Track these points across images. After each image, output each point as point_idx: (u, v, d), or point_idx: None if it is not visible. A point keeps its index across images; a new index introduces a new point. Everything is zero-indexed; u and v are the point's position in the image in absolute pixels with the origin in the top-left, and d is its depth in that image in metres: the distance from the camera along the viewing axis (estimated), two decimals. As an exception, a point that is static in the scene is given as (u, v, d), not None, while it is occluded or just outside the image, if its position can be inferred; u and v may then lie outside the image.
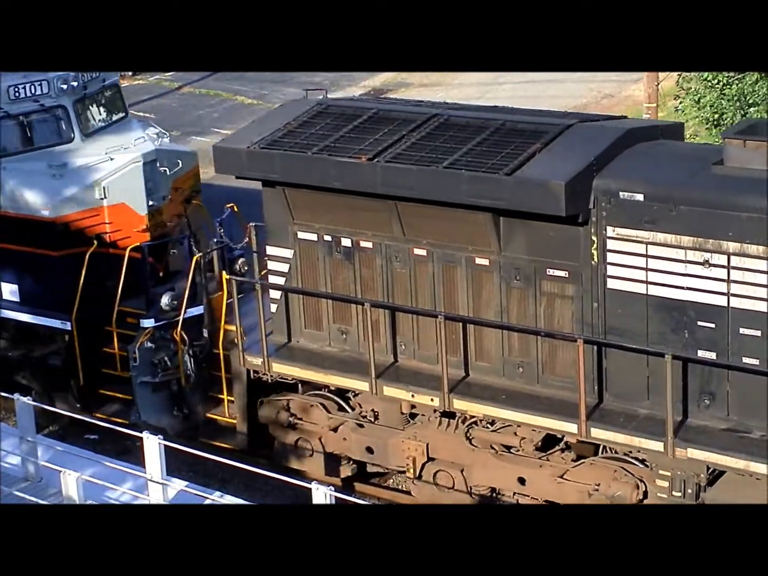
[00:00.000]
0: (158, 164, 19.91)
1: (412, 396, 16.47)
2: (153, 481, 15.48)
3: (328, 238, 17.10)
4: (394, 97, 18.55)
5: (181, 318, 18.65)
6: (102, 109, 21.03)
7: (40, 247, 19.24)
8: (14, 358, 20.27)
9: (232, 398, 18.34)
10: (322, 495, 14.07)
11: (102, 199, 19.33)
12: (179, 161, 20.49)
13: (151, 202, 19.83)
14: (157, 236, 19.99)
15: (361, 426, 17.44)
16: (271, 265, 17.75)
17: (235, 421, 18.45)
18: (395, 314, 16.83)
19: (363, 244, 16.86)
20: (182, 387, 19.42)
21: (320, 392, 17.79)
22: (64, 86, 19.97)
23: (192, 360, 19.25)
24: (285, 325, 17.74)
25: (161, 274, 19.97)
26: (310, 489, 14.28)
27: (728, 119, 24.26)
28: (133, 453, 17.93)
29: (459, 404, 16.12)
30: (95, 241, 19.30)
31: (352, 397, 17.66)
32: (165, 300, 19.07)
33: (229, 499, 15.65)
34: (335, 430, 17.56)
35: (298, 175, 16.50)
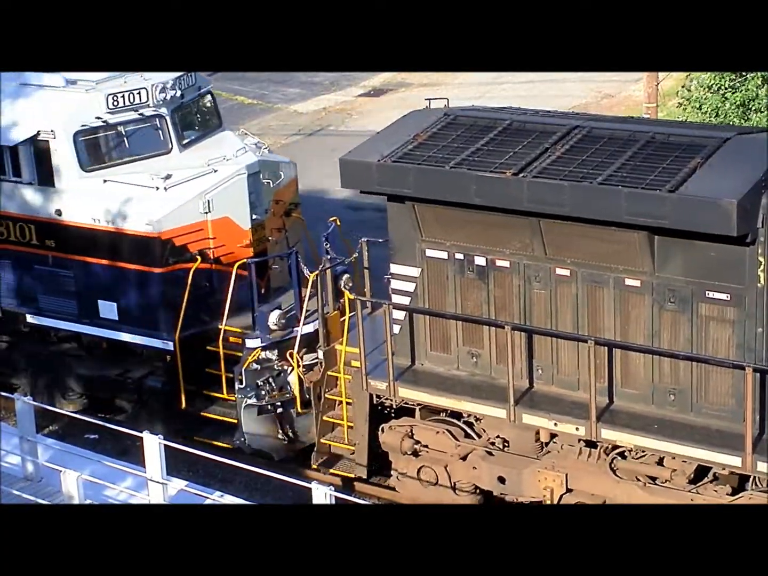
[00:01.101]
0: (261, 176, 19.01)
1: (555, 424, 15.56)
2: (153, 481, 15.38)
3: (459, 256, 16.19)
4: (512, 106, 17.66)
5: (298, 338, 17.74)
6: (197, 118, 20.12)
7: (142, 264, 18.31)
8: (110, 379, 19.35)
9: (351, 423, 17.42)
10: (322, 495, 14.03)
11: (206, 213, 18.41)
12: (281, 173, 19.59)
13: (254, 216, 18.92)
14: (259, 251, 19.08)
15: (491, 454, 16.52)
16: (396, 284, 16.82)
17: (352, 448, 17.53)
18: (532, 337, 15.92)
19: (499, 263, 15.94)
20: (287, 409, 18.56)
21: (444, 418, 16.88)
22: (163, 95, 19.04)
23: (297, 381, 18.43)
24: (409, 348, 16.83)
25: (263, 290, 19.06)
26: (310, 489, 14.21)
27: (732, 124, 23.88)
28: (133, 453, 17.46)
29: (608, 434, 15.20)
30: (198, 257, 18.36)
31: (475, 423, 16.76)
32: (273, 318, 18.16)
33: (229, 499, 15.56)
34: (464, 458, 16.64)
35: (435, 191, 15.59)
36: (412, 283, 16.65)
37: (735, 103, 23.67)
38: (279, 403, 18.40)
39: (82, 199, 18.52)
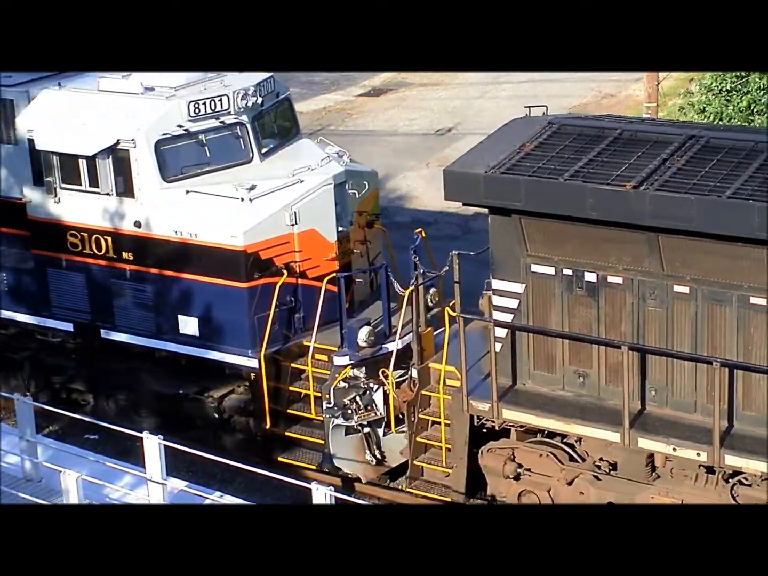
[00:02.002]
0: (347, 186, 18.31)
1: (674, 449, 14.83)
2: (153, 481, 15.37)
3: (568, 272, 15.47)
4: (615, 114, 17.13)
5: (393, 355, 17.03)
6: (276, 126, 19.40)
7: (226, 278, 17.57)
8: (189, 398, 18.65)
9: (449, 445, 16.70)
10: (322, 495, 14.02)
11: (292, 225, 17.68)
12: (366, 182, 18.88)
13: (340, 228, 18.20)
14: (344, 264, 18.36)
15: (598, 478, 15.80)
16: (498, 300, 16.10)
17: (448, 470, 16.81)
18: (645, 357, 15.20)
19: (611, 279, 15.22)
20: (373, 429, 17.86)
21: (545, 440, 16.17)
22: (244, 102, 18.32)
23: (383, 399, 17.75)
24: (510, 366, 16.11)
25: (347, 305, 18.35)
26: (310, 489, 14.19)
27: None
28: (133, 453, 17.21)
29: (732, 460, 14.48)
30: (285, 271, 17.64)
31: (576, 445, 16.05)
32: (362, 335, 17.45)
33: (229, 499, 15.54)
34: (570, 483, 15.91)
35: (547, 204, 14.87)
36: (515, 299, 15.94)
37: (739, 106, 23.57)
38: (366, 423, 17.69)
39: (163, 211, 17.81)
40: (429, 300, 18.02)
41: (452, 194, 15.64)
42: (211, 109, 18.08)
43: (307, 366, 17.72)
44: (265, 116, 18.95)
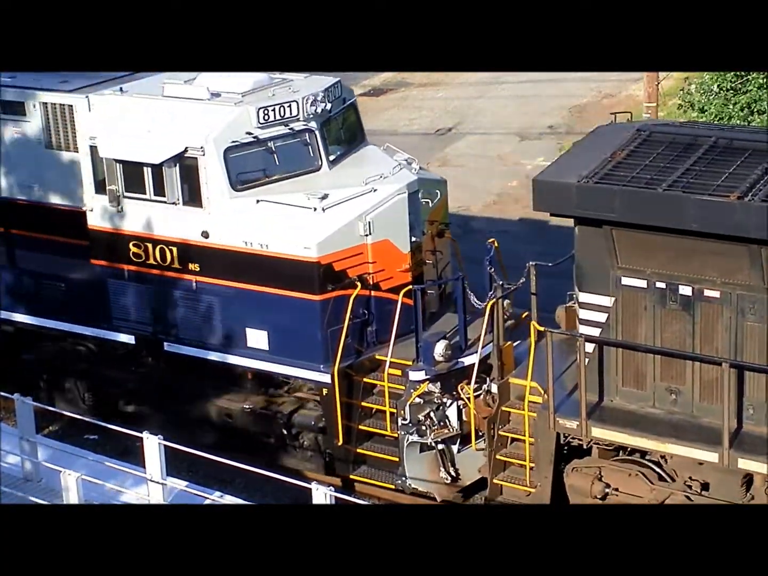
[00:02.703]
0: (420, 195, 17.77)
1: (776, 470, 14.29)
2: (153, 481, 15.38)
3: (661, 285, 14.92)
4: (700, 122, 16.67)
5: (475, 370, 16.49)
6: (343, 132, 18.85)
7: (299, 290, 17.01)
8: (256, 413, 18.11)
9: (532, 464, 16.14)
10: (322, 495, 14.03)
11: (366, 235, 17.12)
12: (438, 191, 18.34)
13: (413, 238, 17.65)
14: (416, 276, 17.80)
15: (690, 499, 15.25)
16: (585, 314, 15.57)
17: (530, 489, 16.26)
18: (743, 374, 14.64)
19: (707, 293, 14.67)
20: (447, 446, 17.32)
21: (631, 458, 15.63)
22: (313, 108, 17.77)
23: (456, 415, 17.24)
24: (597, 382, 15.55)
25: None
26: (310, 489, 14.21)
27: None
28: (133, 453, 17.06)
29: (838, 481, 13.94)
30: (359, 283, 17.09)
31: (663, 463, 15.51)
32: (439, 349, 16.90)
33: (229, 499, 15.54)
34: (661, 503, 15.35)
35: (644, 215, 14.31)
36: (603, 313, 15.39)
37: (738, 105, 23.40)
38: (440, 440, 17.16)
39: (233, 220, 17.25)
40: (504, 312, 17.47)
41: (541, 204, 15.09)
42: (280, 115, 17.54)
43: (382, 381, 17.16)
44: (332, 122, 18.42)
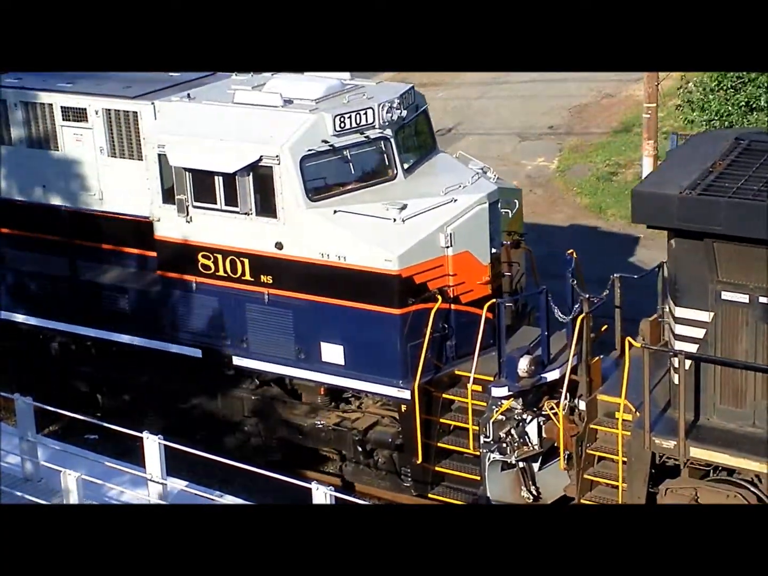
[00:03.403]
0: (499, 205, 17.25)
1: None
2: (153, 481, 15.39)
3: (764, 300, 14.39)
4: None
5: (565, 386, 15.95)
6: (416, 141, 18.32)
7: (378, 304, 16.47)
8: (328, 430, 17.59)
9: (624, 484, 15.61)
10: (322, 495, 14.03)
11: (447, 247, 16.59)
12: (516, 201, 17.81)
13: (493, 250, 17.12)
14: (494, 288, 17.27)
15: (791, 521, 14.70)
16: (681, 329, 15.02)
17: (621, 511, 15.70)
18: None
19: (813, 309, 14.16)
20: (528, 464, 16.79)
21: (725, 478, 15.10)
22: (389, 115, 17.25)
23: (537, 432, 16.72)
24: (693, 400, 15.02)
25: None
26: (310, 489, 14.22)
27: (736, 124, 24.06)
28: (133, 453, 16.91)
29: None
30: (439, 297, 16.56)
31: (759, 483, 14.98)
32: (523, 365, 16.36)
33: (229, 499, 15.54)
34: (761, 526, 14.81)
35: (751, 228, 13.76)
36: (701, 328, 14.85)
37: (738, 103, 23.34)
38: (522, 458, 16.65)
39: (309, 232, 16.72)
40: (585, 326, 16.95)
41: (642, 216, 14.56)
42: (356, 122, 17.01)
43: (463, 397, 16.64)
44: (406, 129, 17.89)
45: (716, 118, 24.45)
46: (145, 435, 15.38)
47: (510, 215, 17.50)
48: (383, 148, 17.44)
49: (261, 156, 16.69)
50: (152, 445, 15.32)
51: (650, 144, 26.13)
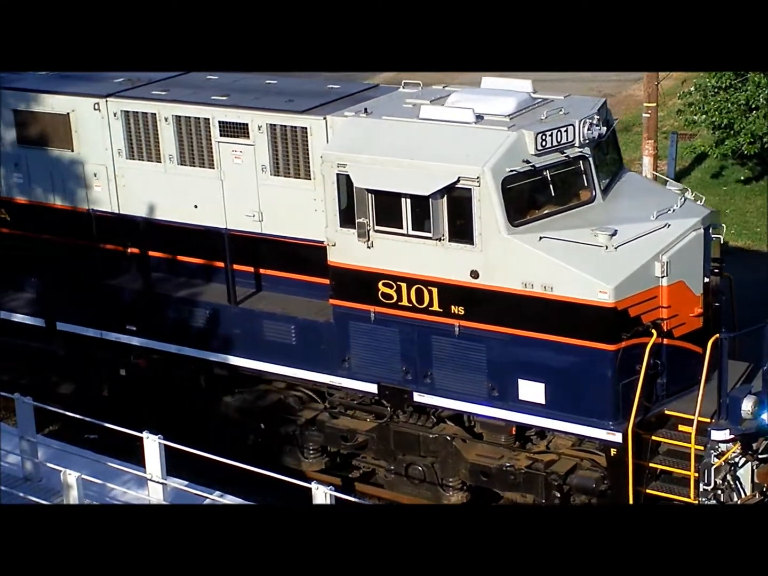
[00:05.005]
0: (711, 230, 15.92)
1: None
2: (153, 481, 15.41)
3: None
4: None
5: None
6: (607, 159, 16.96)
7: (589, 338, 15.10)
8: (515, 473, 16.23)
9: None
10: (322, 495, 14.05)
11: (662, 277, 15.24)
12: (723, 224, 16.45)
13: (705, 279, 15.77)
14: (705, 321, 15.91)
15: None
16: None
17: None
18: None
19: None
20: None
21: None
22: (590, 132, 15.92)
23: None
24: None
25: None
26: (310, 489, 14.24)
27: (736, 123, 24.40)
28: (133, 453, 16.62)
29: None
30: (654, 331, 15.20)
31: None
32: (747, 406, 15.03)
33: (229, 499, 15.53)
34: None
35: None
36: None
37: (738, 102, 23.31)
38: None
39: (510, 260, 15.36)
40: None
41: None
42: (556, 140, 15.68)
43: (678, 440, 15.31)
44: (601, 147, 16.54)
45: (716, 115, 24.77)
46: (145, 435, 15.29)
47: (721, 240, 16.12)
48: (582, 168, 16.11)
49: (459, 177, 15.34)
50: (152, 445, 15.27)
51: (650, 143, 25.95)
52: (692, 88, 25.23)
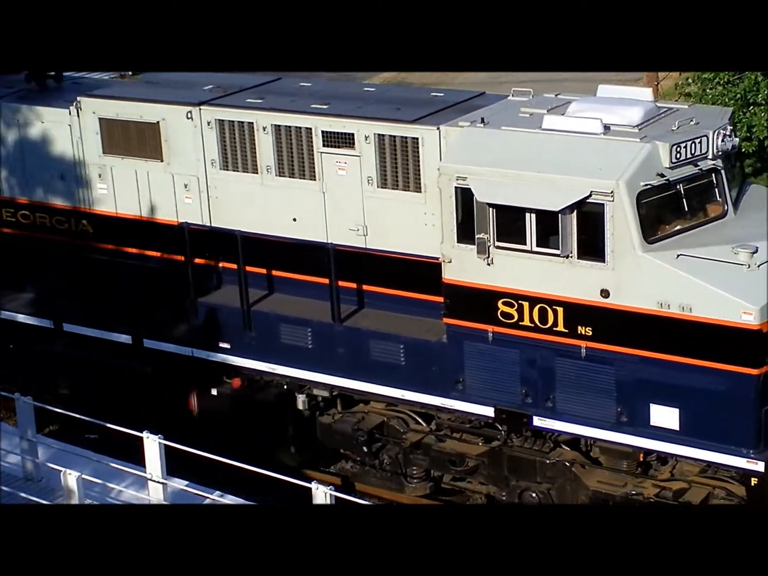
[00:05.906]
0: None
1: None
2: (153, 481, 15.42)
3: None
4: None
5: None
6: (734, 171, 16.18)
7: (729, 362, 14.32)
8: (645, 501, 15.48)
9: None
10: (322, 495, 14.08)
11: (800, 296, 14.47)
12: None
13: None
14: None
15: None
16: None
17: None
18: None
19: None
20: None
21: None
22: (724, 144, 15.17)
23: None
24: None
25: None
26: (310, 489, 14.26)
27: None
28: (133, 453, 16.48)
29: None
30: None
31: None
32: None
33: (229, 499, 15.56)
34: None
35: None
36: None
37: (735, 96, 23.07)
38: None
39: (645, 278, 14.59)
40: None
41: None
42: (690, 153, 14.93)
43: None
44: (729, 159, 15.77)
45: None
46: (145, 435, 15.27)
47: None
48: (714, 182, 15.35)
49: (591, 191, 14.57)
50: (152, 445, 15.23)
51: (650, 143, 25.41)
52: (690, 80, 24.72)
